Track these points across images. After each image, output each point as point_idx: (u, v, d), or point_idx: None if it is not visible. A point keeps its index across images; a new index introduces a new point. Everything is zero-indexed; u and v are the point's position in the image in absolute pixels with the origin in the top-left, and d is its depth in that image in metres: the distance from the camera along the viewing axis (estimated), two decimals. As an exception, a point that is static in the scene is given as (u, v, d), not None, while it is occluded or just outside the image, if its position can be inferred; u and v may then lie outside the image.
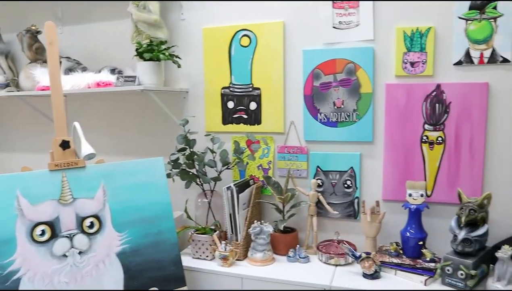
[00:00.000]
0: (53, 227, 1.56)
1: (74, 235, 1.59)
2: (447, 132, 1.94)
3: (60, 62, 2.40)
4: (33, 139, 2.83)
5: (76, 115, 2.59)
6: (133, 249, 1.68)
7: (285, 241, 2.08)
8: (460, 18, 1.88)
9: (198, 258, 2.07)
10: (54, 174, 1.61)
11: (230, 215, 2.03)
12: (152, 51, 2.13)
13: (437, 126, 1.95)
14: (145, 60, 2.13)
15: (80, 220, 1.61)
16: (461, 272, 1.67)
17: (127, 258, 1.66)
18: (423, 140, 1.98)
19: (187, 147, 2.12)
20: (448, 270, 1.71)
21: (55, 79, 1.70)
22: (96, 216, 1.64)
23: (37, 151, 2.82)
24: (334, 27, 2.07)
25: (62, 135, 1.67)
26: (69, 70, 2.42)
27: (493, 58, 1.85)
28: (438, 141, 1.96)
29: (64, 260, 1.56)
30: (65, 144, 1.67)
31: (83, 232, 1.61)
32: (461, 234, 1.70)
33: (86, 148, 1.65)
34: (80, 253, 1.59)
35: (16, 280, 1.47)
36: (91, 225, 1.62)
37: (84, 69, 2.45)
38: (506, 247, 1.65)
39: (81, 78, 2.24)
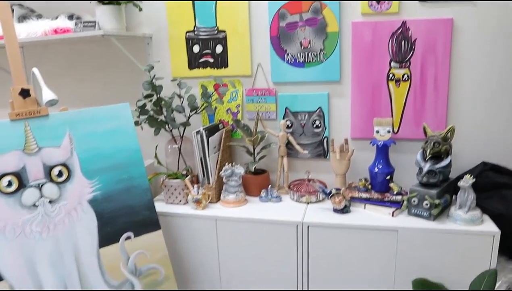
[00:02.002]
0: (20, 177, 1.52)
1: (42, 185, 1.55)
2: (412, 69, 1.96)
3: (12, 9, 2.27)
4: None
5: (34, 66, 2.47)
6: (104, 196, 1.66)
7: (257, 182, 2.11)
8: (425, -49, 1.87)
9: (171, 203, 2.08)
10: (16, 124, 1.55)
11: (201, 159, 2.03)
12: (111, -6, 2.04)
13: (403, 64, 1.97)
14: (104, 3, 2.04)
15: (48, 169, 1.57)
16: (426, 202, 1.74)
17: (99, 205, 1.65)
18: (390, 78, 2.00)
19: (153, 92, 2.07)
20: (414, 201, 1.78)
21: (8, 27, 1.60)
22: (64, 165, 1.60)
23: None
24: (299, -37, 2.02)
25: (20, 84, 1.60)
26: (23, 18, 2.29)
27: (458, -8, 1.86)
28: (404, 78, 1.99)
29: (34, 209, 1.53)
30: (24, 93, 1.60)
31: (51, 181, 1.57)
32: (426, 166, 1.77)
33: (47, 94, 1.59)
34: (50, 202, 1.56)
35: (-14, 232, 1.45)
36: (60, 174, 1.59)
37: (39, 16, 2.32)
38: (467, 176, 1.72)
39: (36, 25, 2.13)
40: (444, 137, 1.77)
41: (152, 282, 1.73)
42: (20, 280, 1.48)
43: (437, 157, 1.79)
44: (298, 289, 1.92)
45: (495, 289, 1.63)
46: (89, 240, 1.61)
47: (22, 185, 1.52)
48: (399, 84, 2.00)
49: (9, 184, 1.50)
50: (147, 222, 1.74)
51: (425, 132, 1.84)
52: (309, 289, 1.90)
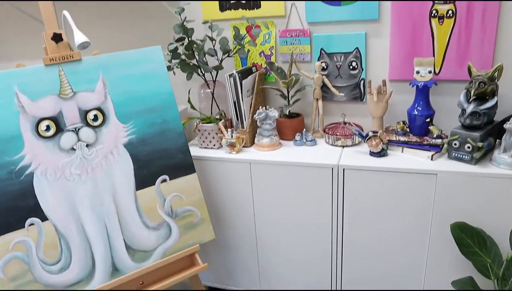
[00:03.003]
0: (57, 121, 1.54)
1: (79, 129, 1.58)
2: (458, 4, 1.83)
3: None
4: (27, 47, 2.73)
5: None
6: (139, 139, 1.68)
7: (291, 126, 2.08)
8: None
9: (205, 147, 2.09)
10: (50, 69, 1.55)
11: (234, 102, 2.01)
12: None
13: (448, -1, 1.84)
14: None
15: (84, 114, 1.59)
16: (468, 145, 1.67)
17: (135, 148, 1.67)
18: (433, 14, 1.87)
19: (185, 36, 2.03)
20: (455, 144, 1.72)
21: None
22: (99, 109, 1.61)
23: (33, 58, 2.73)
24: None
25: (52, 29, 1.59)
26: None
27: None
28: (448, 15, 1.86)
29: (72, 153, 1.56)
30: (57, 37, 1.59)
31: (88, 125, 1.59)
32: (470, 108, 1.68)
33: (79, 36, 1.58)
34: (87, 145, 1.59)
35: (29, 175, 1.49)
36: (95, 118, 1.61)
37: (68, -41, 2.28)
38: (515, 118, 1.63)
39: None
40: (490, 77, 1.67)
41: (188, 224, 1.77)
42: (62, 220, 1.53)
43: (481, 98, 1.69)
44: (332, 232, 1.92)
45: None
46: (126, 182, 1.65)
47: (59, 129, 1.54)
48: (443, 21, 1.87)
49: (47, 128, 1.53)
50: (182, 165, 1.76)
51: (470, 72, 1.73)
52: (343, 232, 1.90)
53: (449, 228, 1.66)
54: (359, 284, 2.00)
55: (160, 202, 1.71)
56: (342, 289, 2.04)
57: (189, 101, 2.14)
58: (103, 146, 1.62)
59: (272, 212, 2.00)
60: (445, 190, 1.68)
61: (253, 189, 1.97)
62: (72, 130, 1.57)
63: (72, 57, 1.60)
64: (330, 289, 2.07)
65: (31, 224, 1.49)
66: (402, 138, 1.85)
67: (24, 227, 1.48)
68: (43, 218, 1.51)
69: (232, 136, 1.97)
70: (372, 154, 1.83)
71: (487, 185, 1.63)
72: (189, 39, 2.04)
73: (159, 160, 1.71)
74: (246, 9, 2.15)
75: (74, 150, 1.57)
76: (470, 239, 1.58)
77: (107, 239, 1.61)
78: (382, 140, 1.80)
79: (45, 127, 1.52)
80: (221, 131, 2.01)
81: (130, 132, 1.66)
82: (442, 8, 1.85)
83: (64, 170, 1.55)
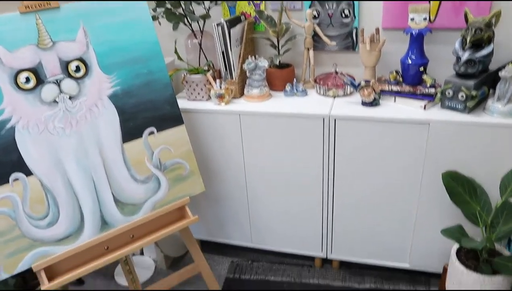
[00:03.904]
0: (37, 73, 1.47)
1: (61, 80, 1.51)
2: None
3: None
4: None
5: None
6: (124, 90, 1.62)
7: (282, 76, 2.03)
8: None
9: (193, 99, 2.03)
10: (27, 17, 1.47)
11: (222, 52, 1.94)
12: None
13: None
14: None
15: (65, 64, 1.52)
16: (462, 93, 1.64)
17: (120, 100, 1.61)
18: (429, -43, 1.79)
19: (169, -18, 1.93)
20: (448, 93, 1.68)
21: None
22: (80, 59, 1.54)
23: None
24: None
25: (27, -27, 1.50)
26: None
27: None
28: (445, -43, 1.78)
29: (55, 106, 1.51)
30: (32, -17, 1.50)
31: (69, 76, 1.52)
32: (465, 55, 1.63)
33: (55, -19, 1.49)
34: (70, 98, 1.53)
35: (11, 129, 1.44)
36: (77, 69, 1.54)
37: None
38: (510, 65, 1.59)
39: None
40: (487, 23, 1.61)
41: (177, 177, 1.74)
42: (48, 174, 1.50)
43: (477, 45, 1.64)
44: (323, 183, 1.91)
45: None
46: (112, 135, 1.60)
47: (40, 81, 1.48)
48: (439, -36, 1.79)
49: (27, 80, 1.46)
50: (169, 117, 1.71)
51: (466, 19, 1.67)
52: (334, 183, 1.89)
53: (440, 177, 1.66)
54: (350, 236, 2.02)
55: (148, 155, 1.68)
56: (333, 240, 2.06)
57: (176, 52, 2.06)
58: (87, 98, 1.56)
59: (262, 164, 1.98)
60: (437, 139, 1.66)
61: (243, 141, 1.94)
62: (54, 82, 1.50)
63: (50, 4, 1.51)
64: (320, 241, 2.09)
65: (16, 179, 1.45)
66: (395, 88, 1.81)
67: (8, 182, 1.44)
68: (28, 173, 1.47)
69: (220, 88, 1.91)
70: (364, 103, 1.80)
71: (480, 134, 1.61)
72: (174, -15, 1.94)
73: (145, 111, 1.66)
74: (233, -46, 2.04)
75: (57, 102, 1.51)
76: (461, 187, 1.57)
77: (95, 193, 1.58)
78: (374, 90, 1.76)
79: (24, 80, 1.45)
80: (210, 83, 1.96)
81: (114, 84, 1.60)
82: (439, -50, 1.77)
83: (47, 123, 1.50)
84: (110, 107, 1.60)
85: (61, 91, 1.52)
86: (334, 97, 1.94)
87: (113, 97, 1.60)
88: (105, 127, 1.59)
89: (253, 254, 2.39)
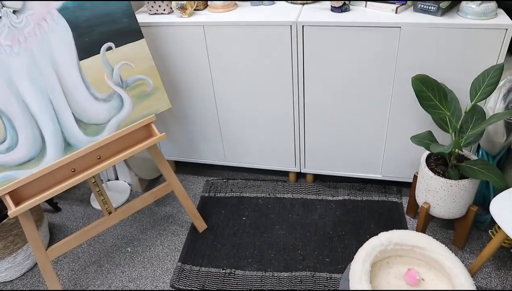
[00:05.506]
0: (-25, -16, 1.34)
1: (2, -8, 1.38)
2: None
3: None
4: None
5: None
6: (76, 3, 1.49)
7: (247, -16, 1.91)
8: None
9: (155, 13, 1.91)
10: None
11: (181, -42, 1.79)
12: None
13: None
14: None
15: (5, -26, 1.38)
16: (435, -7, 1.56)
17: (72, 13, 1.49)
18: None
19: None
20: (421, -6, 1.60)
21: None
22: (22, -33, 1.40)
23: None
24: None
25: None
26: None
27: None
28: None
29: (-1, 21, 1.39)
30: None
31: (11, -13, 1.39)
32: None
33: None
34: (14, 12, 1.41)
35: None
36: (19, -21, 1.40)
37: None
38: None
39: None
40: None
41: (141, 94, 1.67)
42: (0, 96, 1.41)
43: None
44: (294, 94, 1.86)
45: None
46: (66, 52, 1.49)
47: (-21, -7, 1.35)
48: None
49: (-36, -8, 1.33)
50: (127, 30, 1.60)
51: None
52: (304, 93, 1.85)
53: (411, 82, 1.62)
54: (323, 149, 2.01)
55: (108, 72, 1.58)
56: (306, 152, 2.05)
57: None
58: (33, 12, 1.43)
59: (230, 78, 1.90)
60: (409, 43, 1.61)
61: (209, 54, 1.85)
62: (-6, -5, 1.37)
63: None
64: (294, 155, 2.09)
65: (-34, 102, 1.37)
66: (366, -8, 1.72)
67: (-42, 106, 1.36)
68: (-22, 95, 1.38)
69: (182, -2, 1.79)
70: (333, 9, 1.71)
71: (453, 37, 1.55)
72: None
73: (101, 26, 1.54)
74: None
75: (0, 17, 1.39)
76: (431, 92, 1.54)
77: (54, 114, 1.50)
78: (344, -6, 1.67)
79: (-39, -9, 1.32)
80: (170, -7, 1.83)
81: (63, -5, 1.47)
82: None
83: (-7, 41, 1.38)
84: (61, 21, 1.48)
85: (3, 6, 1.39)
86: (303, 4, 1.83)
87: (64, 11, 1.48)
88: (58, 44, 1.48)
89: (228, 172, 2.39)
